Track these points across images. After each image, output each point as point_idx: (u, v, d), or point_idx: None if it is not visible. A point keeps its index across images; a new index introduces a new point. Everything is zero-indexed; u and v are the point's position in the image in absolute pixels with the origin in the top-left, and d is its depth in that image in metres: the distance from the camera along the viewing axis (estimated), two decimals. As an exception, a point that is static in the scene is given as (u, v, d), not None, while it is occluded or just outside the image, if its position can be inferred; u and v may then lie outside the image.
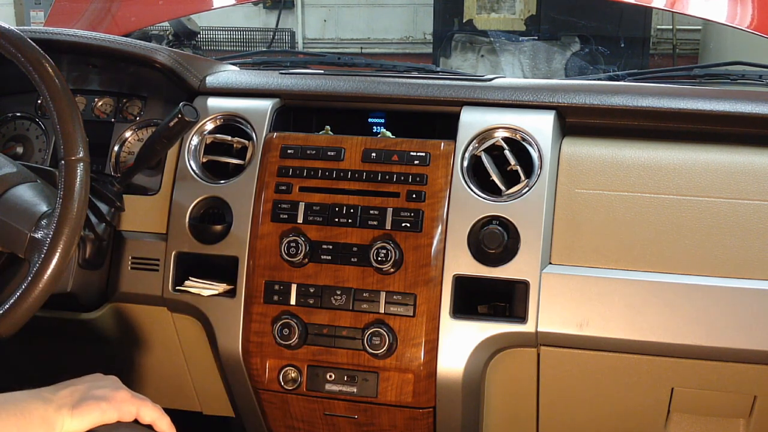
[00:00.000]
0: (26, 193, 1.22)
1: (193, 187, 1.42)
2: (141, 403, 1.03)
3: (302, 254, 1.32)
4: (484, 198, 1.31)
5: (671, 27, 5.49)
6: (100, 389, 1.01)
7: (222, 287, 1.38)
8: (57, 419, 0.94)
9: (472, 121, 1.37)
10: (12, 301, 1.10)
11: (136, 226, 1.46)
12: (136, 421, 1.03)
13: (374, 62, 2.00)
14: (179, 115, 1.32)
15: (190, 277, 1.40)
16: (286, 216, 1.35)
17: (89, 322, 1.46)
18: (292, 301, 1.34)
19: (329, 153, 1.37)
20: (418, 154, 1.34)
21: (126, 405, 1.01)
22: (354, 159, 1.36)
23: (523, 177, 1.32)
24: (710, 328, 1.23)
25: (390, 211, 1.32)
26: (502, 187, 1.31)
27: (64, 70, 1.58)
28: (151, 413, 1.03)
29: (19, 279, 1.23)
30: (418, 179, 1.33)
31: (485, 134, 1.35)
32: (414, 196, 1.32)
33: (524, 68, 3.46)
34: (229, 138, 1.44)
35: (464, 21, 4.54)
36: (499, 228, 1.28)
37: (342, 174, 1.36)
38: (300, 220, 1.35)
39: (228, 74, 1.57)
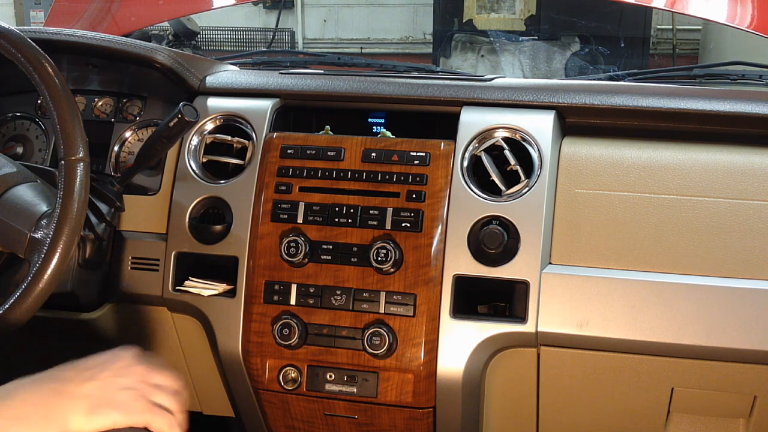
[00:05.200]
0: (26, 193, 1.22)
1: (193, 187, 1.42)
2: (154, 418, 1.02)
3: (302, 254, 1.32)
4: (484, 198, 1.31)
5: (671, 27, 5.49)
6: (123, 392, 1.00)
7: (222, 287, 1.38)
8: (71, 419, 0.95)
9: (472, 121, 1.37)
10: (12, 300, 1.10)
11: (136, 226, 1.46)
12: None
13: (374, 62, 2.00)
14: (179, 115, 1.32)
15: (190, 277, 1.40)
16: (286, 216, 1.35)
17: (89, 322, 1.46)
18: (292, 301, 1.34)
19: (329, 153, 1.37)
20: (418, 154, 1.34)
21: (139, 417, 1.00)
22: (354, 159, 1.36)
23: (523, 177, 1.32)
24: (710, 328, 1.23)
25: (390, 211, 1.32)
26: (502, 187, 1.31)
27: (64, 70, 1.58)
28: (161, 426, 1.02)
29: (19, 279, 1.23)
30: (418, 179, 1.33)
31: (485, 134, 1.36)
32: (414, 196, 1.32)
33: (524, 68, 3.47)
34: (229, 138, 1.44)
35: (464, 21, 4.53)
36: (499, 228, 1.28)
37: (342, 174, 1.36)
38: (300, 220, 1.35)
39: (228, 74, 1.57)
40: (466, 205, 1.31)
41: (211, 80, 1.53)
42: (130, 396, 1.00)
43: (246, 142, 1.43)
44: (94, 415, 0.96)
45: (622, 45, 3.60)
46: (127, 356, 1.05)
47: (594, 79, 1.84)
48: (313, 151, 1.37)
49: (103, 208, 1.40)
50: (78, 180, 1.13)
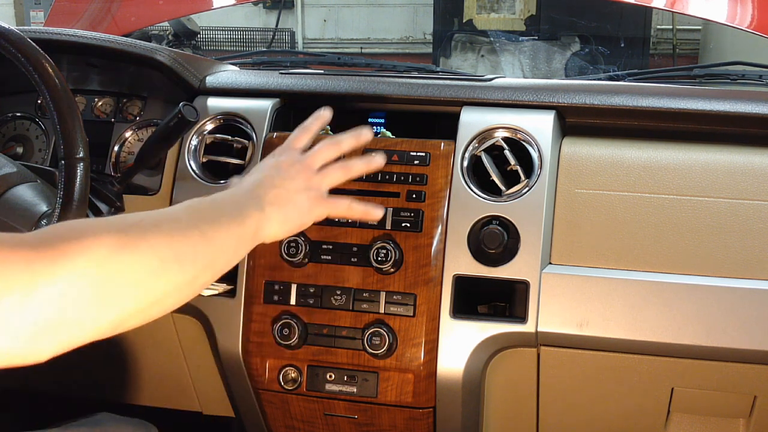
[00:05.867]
0: (26, 193, 1.22)
1: (193, 187, 1.42)
2: (330, 208, 1.10)
3: (302, 254, 1.32)
4: (484, 198, 1.31)
5: (671, 27, 5.49)
6: (299, 195, 1.04)
7: (222, 287, 1.38)
8: (265, 228, 0.98)
9: (472, 121, 1.37)
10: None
11: (136, 226, 1.45)
12: (136, 414, 1.05)
13: (374, 62, 1.99)
14: (179, 115, 1.32)
15: (190, 277, 1.40)
16: (286, 216, 1.35)
17: (89, 322, 1.46)
18: (292, 301, 1.34)
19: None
20: (418, 154, 1.34)
21: (318, 213, 1.07)
22: (354, 159, 1.36)
23: (523, 177, 1.31)
24: (710, 328, 1.23)
25: (390, 211, 1.32)
26: (502, 187, 1.31)
27: (64, 70, 1.58)
28: (340, 211, 1.12)
29: (19, 279, 1.23)
30: (418, 179, 1.33)
31: (485, 134, 1.35)
32: (414, 196, 1.32)
33: (524, 68, 3.46)
34: (229, 138, 1.44)
35: (464, 21, 4.53)
36: (499, 228, 1.28)
37: (342, 174, 1.35)
38: (300, 220, 1.35)
39: (228, 74, 1.57)
40: (466, 205, 1.31)
41: (211, 80, 1.53)
42: (306, 197, 1.05)
43: (246, 142, 1.43)
44: (284, 222, 1.01)
45: (622, 45, 3.60)
46: (288, 155, 1.09)
47: (594, 79, 1.84)
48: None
49: (103, 208, 1.40)
50: (78, 180, 1.13)
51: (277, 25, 6.42)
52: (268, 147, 1.40)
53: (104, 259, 0.72)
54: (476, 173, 1.34)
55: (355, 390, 1.34)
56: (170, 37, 2.56)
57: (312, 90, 1.49)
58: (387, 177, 1.34)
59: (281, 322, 1.33)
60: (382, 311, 1.31)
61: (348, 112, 1.51)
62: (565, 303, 1.27)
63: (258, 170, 1.06)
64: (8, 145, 1.60)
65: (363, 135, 1.15)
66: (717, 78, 1.79)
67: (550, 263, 1.30)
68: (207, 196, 0.94)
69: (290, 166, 1.06)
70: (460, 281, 1.30)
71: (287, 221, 1.02)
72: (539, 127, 1.35)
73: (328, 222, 1.33)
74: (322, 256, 1.33)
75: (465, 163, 1.33)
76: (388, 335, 1.29)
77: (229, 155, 1.44)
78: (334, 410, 1.37)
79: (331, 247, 1.33)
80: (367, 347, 1.29)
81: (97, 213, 1.38)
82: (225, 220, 0.90)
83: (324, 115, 1.17)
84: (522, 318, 1.28)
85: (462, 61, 4.31)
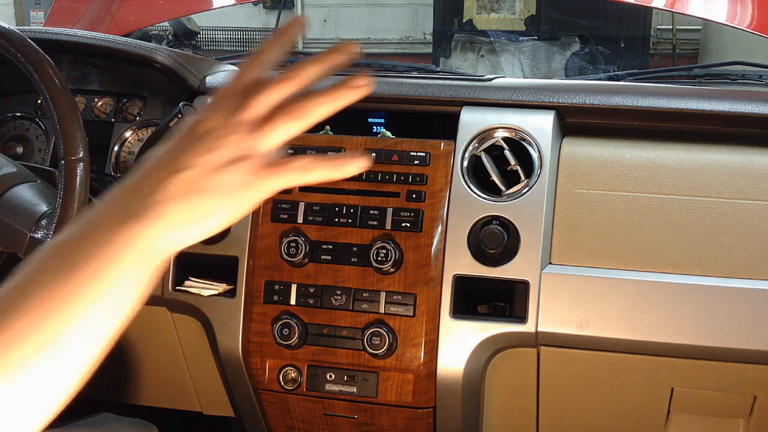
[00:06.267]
0: (26, 193, 1.22)
1: (193, 187, 1.42)
2: (280, 179, 0.68)
3: (302, 254, 1.32)
4: (484, 198, 1.31)
5: (671, 27, 5.49)
6: (223, 173, 0.65)
7: (222, 287, 1.38)
8: (162, 238, 0.64)
9: (472, 121, 1.37)
10: (12, 301, 1.09)
11: (136, 226, 1.45)
12: (136, 414, 1.02)
13: (374, 62, 1.99)
14: (179, 115, 1.32)
15: (190, 277, 1.40)
16: (286, 216, 1.35)
17: (89, 322, 1.46)
18: (292, 301, 1.34)
19: (329, 153, 1.37)
20: (418, 154, 1.34)
21: (256, 194, 0.68)
22: (354, 159, 1.36)
23: (523, 177, 1.31)
24: (710, 328, 1.23)
25: (390, 211, 1.32)
26: (502, 187, 1.31)
27: (64, 70, 1.57)
28: (295, 180, 0.69)
29: (19, 279, 1.23)
30: (418, 179, 1.33)
31: (485, 134, 1.35)
32: (414, 196, 1.32)
33: (524, 68, 3.46)
34: (229, 138, 1.44)
35: (464, 21, 4.53)
36: (499, 228, 1.28)
37: (342, 174, 1.35)
38: (300, 220, 1.35)
39: (228, 74, 1.57)
40: (466, 205, 1.31)
41: (211, 80, 1.53)
42: (238, 173, 0.66)
43: (246, 142, 1.43)
44: (197, 220, 0.65)
45: (622, 45, 3.60)
46: (216, 109, 0.69)
47: (594, 79, 1.84)
48: (313, 151, 1.37)
49: (103, 208, 1.39)
50: (78, 180, 1.13)
51: (277, 25, 6.41)
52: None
53: None
54: (476, 173, 1.34)
55: (355, 390, 1.34)
56: (170, 37, 2.56)
57: (312, 90, 1.49)
58: (387, 177, 1.34)
59: (281, 322, 1.33)
60: (382, 311, 1.31)
61: (347, 112, 1.51)
62: (565, 303, 1.27)
63: (165, 144, 0.68)
64: (8, 145, 1.60)
65: (340, 53, 0.75)
66: (717, 78, 1.79)
67: (550, 263, 1.30)
68: (68, 229, 0.64)
69: (214, 129, 0.67)
70: (460, 281, 1.30)
71: (202, 217, 0.65)
72: (539, 127, 1.35)
73: (328, 222, 1.33)
74: (322, 256, 1.33)
75: (465, 163, 1.33)
76: (388, 335, 1.29)
77: (229, 155, 1.44)
78: (334, 410, 1.37)
79: (331, 247, 1.33)
80: (367, 347, 1.29)
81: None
82: (79, 272, 0.60)
83: (295, 23, 0.77)
84: (522, 318, 1.28)
85: (462, 61, 4.31)
